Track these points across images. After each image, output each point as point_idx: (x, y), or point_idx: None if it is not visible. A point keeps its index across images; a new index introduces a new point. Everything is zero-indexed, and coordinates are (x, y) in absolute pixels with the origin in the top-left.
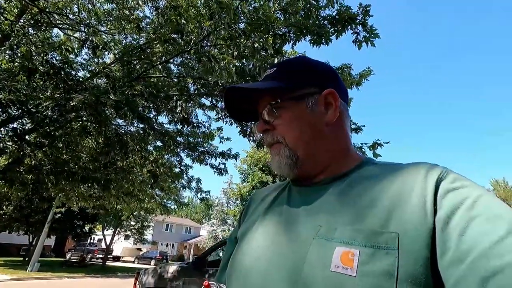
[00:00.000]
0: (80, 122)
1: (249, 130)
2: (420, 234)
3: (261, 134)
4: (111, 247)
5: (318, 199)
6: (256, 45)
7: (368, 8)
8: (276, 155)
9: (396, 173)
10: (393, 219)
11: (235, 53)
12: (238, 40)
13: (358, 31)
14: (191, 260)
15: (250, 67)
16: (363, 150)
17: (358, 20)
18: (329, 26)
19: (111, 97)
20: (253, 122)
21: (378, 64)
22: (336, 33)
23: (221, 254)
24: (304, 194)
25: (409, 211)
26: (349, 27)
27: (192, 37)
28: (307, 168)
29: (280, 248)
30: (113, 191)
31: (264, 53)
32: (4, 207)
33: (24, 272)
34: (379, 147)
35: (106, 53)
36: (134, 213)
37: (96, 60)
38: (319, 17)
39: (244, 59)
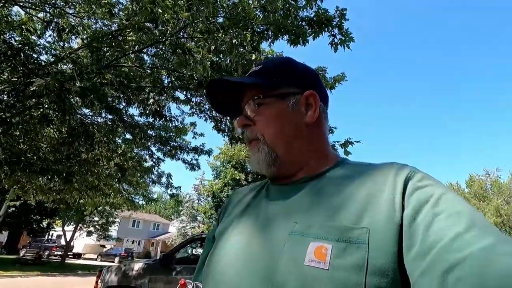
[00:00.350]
0: (42, 110)
1: (223, 126)
2: (389, 230)
3: (242, 130)
4: (72, 244)
5: (295, 197)
6: (234, 40)
7: (344, 12)
8: (255, 152)
9: (368, 173)
10: (365, 216)
11: (212, 48)
12: (216, 35)
13: (334, 33)
14: (158, 257)
15: (227, 62)
16: (335, 148)
17: (334, 23)
18: (307, 27)
19: (76, 83)
20: (236, 118)
21: (354, 63)
22: (313, 34)
23: (190, 252)
24: (282, 192)
25: (380, 208)
26: (326, 29)
27: (168, 27)
28: (285, 166)
29: (256, 246)
30: (76, 185)
31: (241, 50)
32: None
33: None
34: (350, 145)
35: (73, 37)
36: (99, 208)
37: (61, 44)
38: (298, 17)
39: (221, 54)
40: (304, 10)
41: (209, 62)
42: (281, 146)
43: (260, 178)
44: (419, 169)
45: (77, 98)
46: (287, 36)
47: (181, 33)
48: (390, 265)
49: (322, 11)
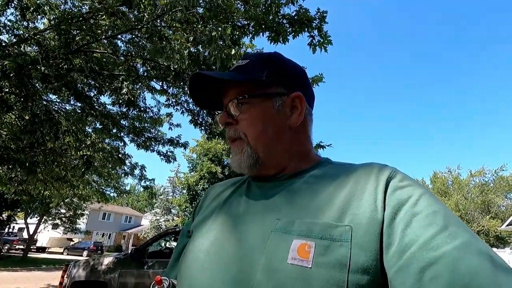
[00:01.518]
0: (1, 94)
1: (200, 120)
2: (371, 228)
3: (224, 127)
4: (35, 237)
5: (277, 194)
6: (213, 33)
7: (325, 14)
8: (238, 153)
9: (351, 172)
10: (348, 214)
11: (191, 38)
12: (195, 25)
13: (314, 35)
14: (129, 251)
15: (205, 54)
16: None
17: (314, 24)
18: (288, 25)
19: (39, 68)
20: (217, 112)
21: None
22: (293, 33)
23: (163, 245)
24: (263, 189)
25: (362, 207)
26: (306, 29)
27: (145, 14)
28: (266, 168)
29: (234, 244)
30: (41, 175)
31: (221, 43)
32: None
33: None
34: (321, 148)
35: (39, 17)
36: (66, 200)
37: (25, 24)
38: (279, 14)
39: (200, 46)
40: (286, 7)
41: (187, 52)
42: (263, 148)
43: (237, 172)
44: (399, 170)
45: (39, 83)
46: (268, 33)
47: (159, 21)
48: (371, 263)
49: (303, 10)
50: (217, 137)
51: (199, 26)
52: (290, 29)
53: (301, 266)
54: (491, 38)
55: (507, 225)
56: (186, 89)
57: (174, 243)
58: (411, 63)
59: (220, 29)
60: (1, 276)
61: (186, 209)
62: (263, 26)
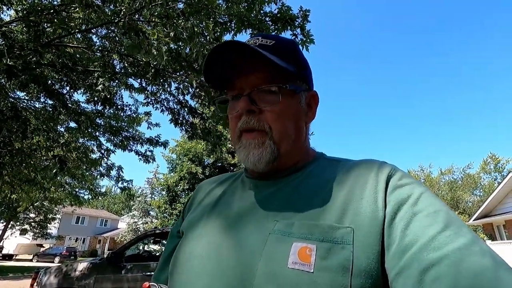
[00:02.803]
0: None
1: (180, 119)
2: (373, 229)
3: (239, 112)
4: (1, 244)
5: (274, 193)
6: (195, 29)
7: (307, 13)
8: (257, 147)
9: (349, 170)
10: (348, 214)
11: (172, 34)
12: (175, 21)
13: (296, 33)
14: (105, 256)
15: (187, 51)
16: None
17: (297, 23)
18: (270, 23)
19: (4, 60)
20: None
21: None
22: (276, 31)
23: (141, 248)
24: (259, 187)
25: (362, 206)
26: (288, 27)
27: (122, 8)
28: (280, 164)
29: (229, 247)
30: (7, 177)
31: (203, 39)
32: None
33: None
34: None
35: (5, 8)
36: (35, 204)
37: None
38: (261, 11)
39: (180, 42)
40: (268, 5)
41: (166, 48)
42: (286, 145)
43: (217, 172)
44: (398, 167)
45: (3, 76)
46: (250, 30)
47: (137, 15)
48: (374, 265)
49: (286, 8)
50: (199, 138)
51: (180, 22)
52: (273, 26)
53: (303, 271)
54: (466, 38)
55: (473, 220)
56: (167, 86)
57: (153, 246)
58: (382, 60)
59: (202, 25)
60: None
61: (166, 210)
62: (246, 23)
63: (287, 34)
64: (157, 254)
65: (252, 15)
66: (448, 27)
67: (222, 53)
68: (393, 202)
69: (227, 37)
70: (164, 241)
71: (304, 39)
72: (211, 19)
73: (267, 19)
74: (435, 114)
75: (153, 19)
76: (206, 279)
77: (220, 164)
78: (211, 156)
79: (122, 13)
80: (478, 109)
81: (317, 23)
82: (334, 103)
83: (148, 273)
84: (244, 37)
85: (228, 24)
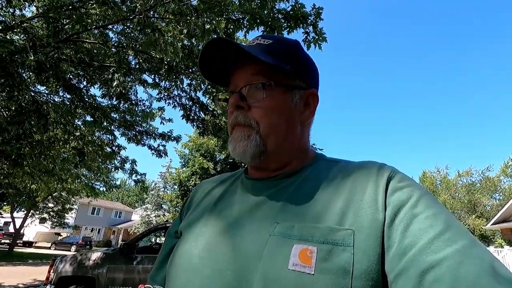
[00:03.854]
0: None
1: (192, 115)
2: (373, 231)
3: (230, 108)
4: (22, 231)
5: (274, 194)
6: (207, 26)
7: (320, 11)
8: (243, 139)
9: (349, 172)
10: (349, 216)
11: (185, 31)
12: (188, 17)
13: (308, 31)
14: (118, 246)
15: (199, 48)
16: None
17: (310, 21)
18: (283, 21)
19: (30, 56)
20: (218, 91)
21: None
22: (288, 29)
23: (153, 240)
24: (258, 188)
25: (363, 208)
26: (301, 25)
27: (137, 5)
28: (269, 161)
29: (230, 248)
30: (27, 168)
31: (215, 36)
32: None
33: None
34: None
35: (27, 4)
36: (54, 194)
37: (11, 11)
38: (274, 8)
39: (193, 39)
40: (281, 2)
41: (180, 45)
42: (273, 141)
43: (228, 167)
44: (398, 169)
45: (30, 73)
46: (263, 27)
47: (151, 12)
48: (375, 267)
49: (299, 5)
50: (210, 134)
51: (193, 19)
52: (285, 24)
53: (303, 273)
54: (485, 37)
55: (491, 224)
56: (179, 82)
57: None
58: (401, 63)
59: (214, 22)
60: None
61: (177, 204)
62: (258, 21)
63: (299, 32)
64: None
65: (265, 12)
66: (469, 26)
67: (212, 51)
68: (393, 204)
69: (239, 34)
70: None
71: (317, 37)
72: (224, 16)
73: (280, 16)
74: (456, 115)
75: (167, 16)
76: (205, 281)
77: (231, 160)
78: (223, 152)
79: (137, 10)
80: (500, 111)
81: (334, 22)
82: (349, 103)
83: None
84: (255, 35)
85: (241, 21)
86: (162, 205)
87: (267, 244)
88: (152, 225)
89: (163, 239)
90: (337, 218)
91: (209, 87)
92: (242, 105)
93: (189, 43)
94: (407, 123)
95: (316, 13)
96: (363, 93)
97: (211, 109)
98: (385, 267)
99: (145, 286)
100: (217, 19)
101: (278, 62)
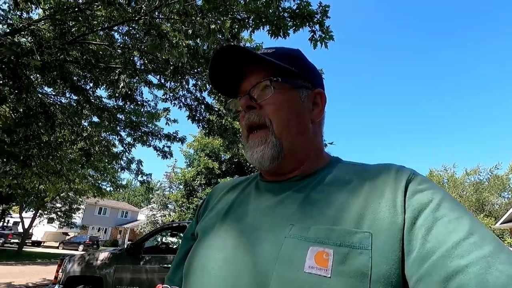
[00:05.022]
0: None
1: (198, 115)
2: (392, 234)
3: (242, 111)
4: (30, 231)
5: (289, 196)
6: (212, 26)
7: (327, 9)
8: (260, 143)
9: (366, 174)
10: (366, 219)
11: (190, 32)
12: (193, 18)
13: (315, 29)
14: (125, 246)
15: (204, 48)
16: None
17: (316, 19)
18: (288, 19)
19: (36, 58)
20: (230, 98)
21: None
22: (294, 28)
23: (159, 240)
24: (273, 190)
25: (381, 211)
26: (307, 23)
27: (143, 5)
28: (286, 161)
29: (243, 252)
30: (36, 169)
31: (220, 36)
32: None
33: None
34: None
35: (33, 6)
36: (61, 194)
37: (19, 13)
38: (279, 7)
39: (198, 39)
40: (286, 0)
41: (186, 47)
42: (288, 138)
43: (233, 167)
44: (417, 172)
45: (37, 74)
46: (268, 27)
47: (156, 13)
48: (394, 271)
49: (305, 3)
50: (215, 135)
51: (198, 19)
52: (291, 23)
53: (320, 275)
54: (489, 35)
55: (500, 223)
56: (184, 83)
57: (171, 239)
58: (409, 60)
59: (219, 21)
60: None
61: (183, 204)
62: (264, 20)
63: (305, 31)
64: (174, 246)
65: (270, 11)
66: (474, 24)
67: (222, 61)
68: (413, 207)
69: (245, 34)
70: (181, 234)
71: (323, 35)
72: (229, 15)
73: (285, 15)
74: (463, 112)
75: (172, 16)
76: (221, 283)
77: (236, 160)
78: (228, 152)
79: (142, 11)
80: (510, 107)
81: (342, 20)
82: (354, 99)
83: (165, 265)
84: (261, 34)
85: (246, 21)
86: (168, 205)
87: (283, 246)
88: (158, 224)
89: (169, 239)
90: (354, 220)
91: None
92: (253, 105)
93: (194, 44)
94: (411, 121)
95: (323, 11)
96: (364, 90)
97: (216, 109)
98: (405, 271)
99: (163, 286)
100: (222, 18)
101: (284, 64)
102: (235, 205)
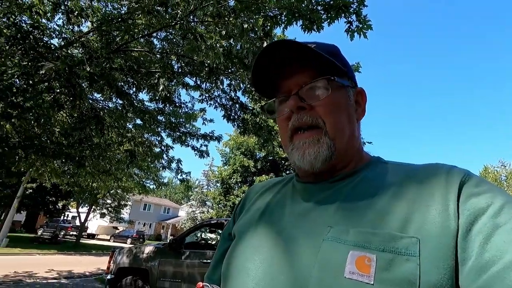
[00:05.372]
0: (53, 95)
1: (233, 115)
2: (444, 241)
3: (290, 112)
4: (86, 225)
5: (327, 197)
6: (245, 25)
7: None
8: (312, 145)
9: (412, 175)
10: (413, 223)
11: (223, 32)
12: (226, 19)
13: (351, 20)
14: (168, 241)
15: (237, 48)
16: None
17: (352, 9)
18: (322, 12)
19: (86, 68)
20: (268, 99)
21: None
22: (328, 20)
23: (199, 235)
24: (311, 191)
25: (430, 215)
26: (342, 15)
27: (178, 11)
28: (335, 162)
29: (281, 254)
30: (89, 169)
31: (253, 35)
32: None
33: None
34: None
35: (83, 20)
36: (111, 192)
37: (71, 27)
38: (312, 1)
39: (232, 39)
40: None
41: (221, 48)
42: (342, 139)
43: (268, 165)
44: (473, 173)
45: (87, 83)
46: (301, 21)
47: (191, 17)
48: (446, 281)
49: None
50: (250, 133)
51: (231, 19)
52: (325, 15)
53: (361, 282)
54: None
55: None
56: (219, 83)
57: (209, 235)
58: (463, 50)
59: (251, 20)
60: (58, 259)
61: (220, 202)
62: (296, 15)
63: (341, 22)
64: (213, 242)
65: (303, 5)
66: None
67: (270, 55)
68: (468, 212)
69: (277, 31)
70: (219, 231)
71: (361, 25)
72: (261, 13)
73: (319, 8)
74: None
75: (206, 19)
76: (259, 285)
77: (271, 158)
78: (263, 150)
79: (178, 16)
80: None
81: (379, 9)
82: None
83: (205, 260)
84: (294, 29)
85: (278, 17)
86: (206, 202)
87: (321, 249)
88: (197, 221)
89: (208, 235)
90: (399, 224)
91: (248, 86)
92: (304, 106)
93: (227, 44)
94: (463, 113)
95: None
96: (412, 83)
97: (250, 108)
98: (459, 282)
99: (203, 284)
100: (254, 17)
101: (332, 60)
102: (272, 206)
